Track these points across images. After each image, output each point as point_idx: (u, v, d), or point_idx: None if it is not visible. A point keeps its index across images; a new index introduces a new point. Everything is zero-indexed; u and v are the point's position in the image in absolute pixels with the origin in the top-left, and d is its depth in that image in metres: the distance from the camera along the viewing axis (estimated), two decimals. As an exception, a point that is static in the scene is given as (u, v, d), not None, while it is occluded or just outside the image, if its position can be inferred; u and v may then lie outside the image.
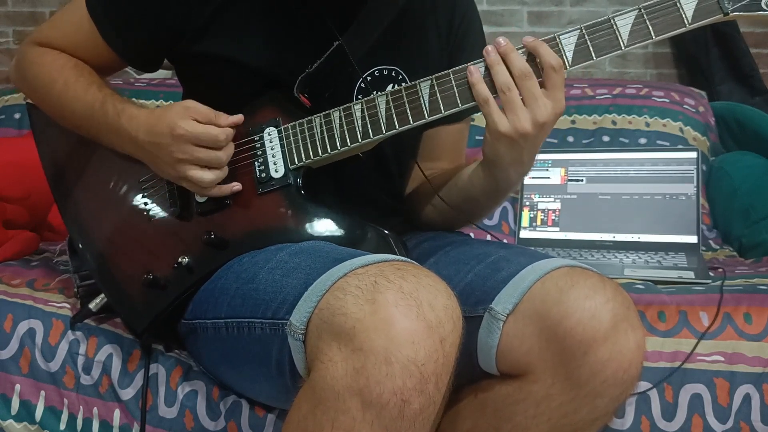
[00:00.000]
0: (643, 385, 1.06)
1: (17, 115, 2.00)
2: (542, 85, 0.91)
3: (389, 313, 0.75)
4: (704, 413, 1.05)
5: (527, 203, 1.66)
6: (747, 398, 1.05)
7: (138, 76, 2.24)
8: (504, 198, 1.12)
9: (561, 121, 1.88)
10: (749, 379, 1.05)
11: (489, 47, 0.92)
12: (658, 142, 1.81)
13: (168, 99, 2.01)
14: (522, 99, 0.91)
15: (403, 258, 0.86)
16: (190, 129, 0.96)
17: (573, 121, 1.88)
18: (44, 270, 1.30)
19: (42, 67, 1.11)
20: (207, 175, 0.98)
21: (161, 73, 2.29)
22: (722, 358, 1.07)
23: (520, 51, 0.93)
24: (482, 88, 0.92)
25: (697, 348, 1.07)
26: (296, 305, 0.83)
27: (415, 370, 0.74)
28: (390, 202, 1.17)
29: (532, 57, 0.92)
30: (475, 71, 0.92)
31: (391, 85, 1.08)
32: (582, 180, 1.65)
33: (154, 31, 1.06)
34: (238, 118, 1.01)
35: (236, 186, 1.01)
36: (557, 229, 1.63)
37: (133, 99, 1.11)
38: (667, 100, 1.88)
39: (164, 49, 1.10)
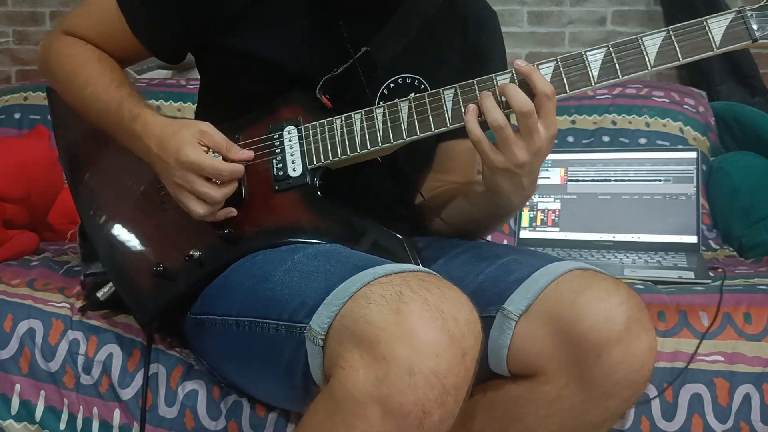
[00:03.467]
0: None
1: (17, 115, 2.00)
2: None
3: (414, 324, 0.75)
4: (704, 413, 1.05)
5: (527, 203, 1.66)
6: (747, 398, 1.05)
7: (138, 76, 2.24)
8: (509, 218, 1.13)
9: (561, 121, 1.88)
10: (749, 379, 1.05)
11: (485, 93, 0.91)
12: (658, 142, 1.81)
13: (168, 99, 2.00)
14: (518, 132, 0.90)
15: (426, 269, 0.86)
16: (194, 159, 0.95)
17: (573, 121, 1.88)
18: (44, 270, 1.30)
19: (66, 59, 1.10)
20: (199, 209, 0.98)
21: (161, 73, 2.29)
22: (722, 358, 1.07)
23: (506, 76, 0.93)
24: (474, 127, 0.92)
25: (698, 349, 1.07)
26: (317, 310, 0.83)
27: (437, 383, 0.74)
28: (402, 208, 1.17)
29: (523, 82, 0.91)
30: (472, 110, 0.92)
31: (413, 94, 1.08)
32: (582, 180, 1.65)
33: (185, 23, 1.05)
34: (249, 154, 1.00)
35: (231, 212, 1.01)
36: (557, 229, 1.63)
37: (151, 101, 1.10)
38: (667, 100, 1.88)
39: (193, 40, 1.09)
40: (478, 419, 0.96)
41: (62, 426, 1.15)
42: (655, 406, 1.06)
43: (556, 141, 1.81)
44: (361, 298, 0.79)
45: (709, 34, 0.89)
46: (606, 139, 1.84)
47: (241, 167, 0.98)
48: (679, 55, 0.90)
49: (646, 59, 0.91)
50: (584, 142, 1.85)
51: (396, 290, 0.78)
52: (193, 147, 0.96)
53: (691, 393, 1.06)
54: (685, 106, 1.87)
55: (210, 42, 1.07)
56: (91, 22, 1.11)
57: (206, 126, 0.99)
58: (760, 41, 0.88)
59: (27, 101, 2.03)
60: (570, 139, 1.86)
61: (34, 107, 2.01)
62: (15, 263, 1.33)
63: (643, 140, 1.82)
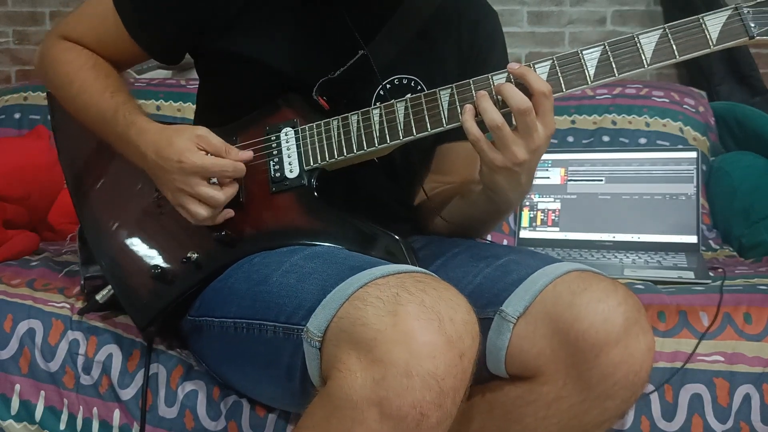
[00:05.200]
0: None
1: (17, 115, 2.00)
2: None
3: (411, 326, 0.75)
4: (704, 413, 1.05)
5: (527, 203, 1.66)
6: (747, 398, 1.05)
7: (138, 76, 2.24)
8: (507, 215, 1.13)
9: (561, 121, 1.88)
10: (749, 379, 1.05)
11: (481, 93, 0.91)
12: (658, 142, 1.81)
13: (168, 99, 2.00)
14: (517, 131, 0.90)
15: (422, 270, 0.86)
16: (197, 162, 0.95)
17: (573, 121, 1.88)
18: (44, 270, 1.30)
19: (61, 66, 1.10)
20: (202, 211, 0.98)
21: (161, 73, 2.29)
22: (722, 358, 1.07)
23: (502, 76, 0.92)
24: (472, 126, 0.91)
25: (697, 348, 1.07)
26: (314, 312, 0.82)
27: (434, 384, 0.74)
28: (399, 209, 1.17)
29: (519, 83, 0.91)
30: (469, 110, 0.92)
31: (409, 94, 1.08)
32: (582, 180, 1.65)
33: (180, 24, 1.05)
34: (248, 155, 1.00)
35: (229, 213, 1.00)
36: (557, 229, 1.63)
37: (142, 102, 1.10)
38: (667, 100, 1.88)
39: (188, 42, 1.09)
40: (477, 420, 0.96)
41: (62, 426, 1.15)
42: (656, 406, 1.06)
43: (555, 141, 1.84)
44: (357, 300, 0.79)
45: (706, 32, 0.89)
46: (606, 139, 1.84)
47: (243, 165, 0.98)
48: (676, 53, 0.90)
49: (643, 57, 0.90)
50: (584, 142, 1.85)
51: (392, 292, 0.78)
52: (194, 152, 0.96)
53: (691, 393, 1.06)
54: (685, 106, 1.87)
55: (205, 45, 1.07)
56: (88, 26, 1.11)
57: (202, 130, 0.99)
58: (757, 38, 0.88)
59: (27, 101, 2.03)
60: (570, 139, 1.86)
61: (34, 107, 2.01)
62: (15, 263, 1.33)
63: (643, 140, 1.82)
